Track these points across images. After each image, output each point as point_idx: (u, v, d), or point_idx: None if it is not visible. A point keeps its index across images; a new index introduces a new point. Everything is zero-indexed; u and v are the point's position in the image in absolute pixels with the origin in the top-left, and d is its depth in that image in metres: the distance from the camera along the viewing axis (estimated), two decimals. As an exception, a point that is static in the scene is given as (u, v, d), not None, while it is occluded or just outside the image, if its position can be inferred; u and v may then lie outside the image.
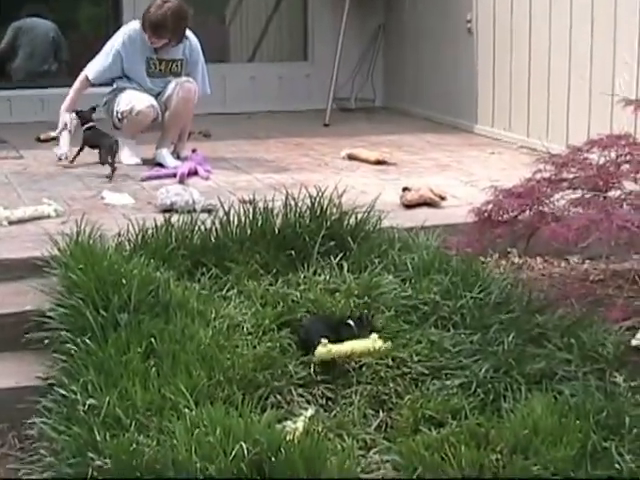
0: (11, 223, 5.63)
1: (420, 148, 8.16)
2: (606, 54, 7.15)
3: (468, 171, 7.18)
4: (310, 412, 4.07)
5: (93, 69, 7.30)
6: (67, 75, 9.60)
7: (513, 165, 7.16)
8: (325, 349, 4.39)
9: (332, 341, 4.41)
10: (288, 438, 3.72)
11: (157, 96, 7.31)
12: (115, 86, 7.36)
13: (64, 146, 7.23)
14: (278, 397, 4.15)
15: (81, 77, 7.33)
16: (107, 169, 6.80)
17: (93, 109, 7.10)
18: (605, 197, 4.74)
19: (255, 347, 4.33)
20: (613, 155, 5.05)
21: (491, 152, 7.91)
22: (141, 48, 7.27)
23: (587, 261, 5.54)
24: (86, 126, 7.02)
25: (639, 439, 3.84)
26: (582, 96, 7.40)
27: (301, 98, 9.86)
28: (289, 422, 3.96)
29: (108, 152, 6.81)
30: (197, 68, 7.45)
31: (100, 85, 7.49)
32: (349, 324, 4.53)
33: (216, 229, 5.13)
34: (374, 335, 4.49)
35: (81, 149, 7.10)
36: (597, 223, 4.40)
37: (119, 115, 7.25)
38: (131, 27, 7.32)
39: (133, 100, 7.19)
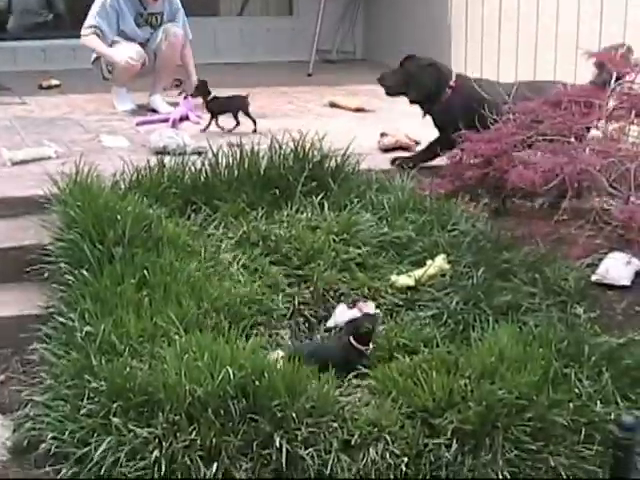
0: (14, 164, 5.58)
1: (397, 97, 8.06)
2: (571, 6, 7.07)
3: (441, 118, 7.08)
4: (292, 340, 4.05)
5: (100, 23, 7.06)
6: (67, 27, 9.49)
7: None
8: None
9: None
10: (271, 363, 3.70)
11: (145, 44, 7.19)
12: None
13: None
14: (262, 328, 4.12)
15: (89, 33, 7.08)
16: None
17: None
18: (569, 142, 4.69)
19: (240, 280, 4.29)
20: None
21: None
22: (133, 3, 7.15)
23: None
24: None
25: (597, 366, 3.85)
26: (549, 46, 7.32)
27: (286, 50, 9.77)
28: (272, 349, 3.93)
29: None
30: (178, 16, 7.35)
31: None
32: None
33: (206, 170, 5.07)
34: (442, 255, 4.50)
35: None
36: (562, 166, 4.36)
37: (109, 67, 7.13)
38: None
39: (121, 51, 7.05)
